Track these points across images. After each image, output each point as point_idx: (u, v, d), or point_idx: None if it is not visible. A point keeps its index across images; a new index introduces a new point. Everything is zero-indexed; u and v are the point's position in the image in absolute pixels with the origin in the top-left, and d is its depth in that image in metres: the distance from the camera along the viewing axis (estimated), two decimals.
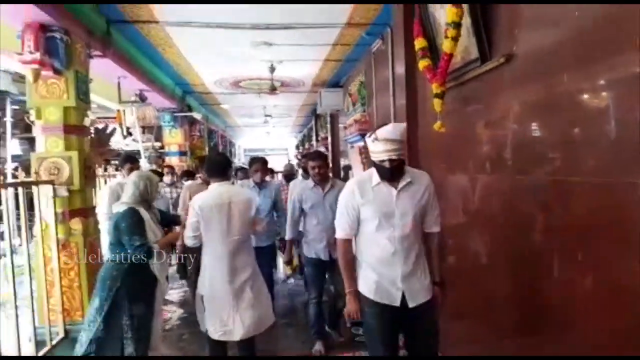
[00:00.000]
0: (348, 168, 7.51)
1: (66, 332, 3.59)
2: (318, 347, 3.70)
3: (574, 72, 1.86)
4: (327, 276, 3.77)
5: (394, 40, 4.30)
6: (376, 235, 2.21)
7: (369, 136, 2.19)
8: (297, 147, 18.43)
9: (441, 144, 3.33)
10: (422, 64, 3.04)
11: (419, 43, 3.09)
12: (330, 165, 3.25)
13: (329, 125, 9.15)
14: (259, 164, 4.29)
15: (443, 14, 2.83)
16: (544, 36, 2.07)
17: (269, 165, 4.72)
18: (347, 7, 4.16)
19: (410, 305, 2.19)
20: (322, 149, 10.40)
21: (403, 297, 2.19)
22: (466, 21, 2.57)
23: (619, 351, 1.68)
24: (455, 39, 2.58)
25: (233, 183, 3.70)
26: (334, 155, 8.91)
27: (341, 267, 2.33)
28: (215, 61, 5.93)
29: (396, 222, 2.18)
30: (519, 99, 2.29)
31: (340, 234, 2.33)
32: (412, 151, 3.73)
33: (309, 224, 3.68)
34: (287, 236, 3.83)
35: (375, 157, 2.17)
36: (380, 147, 2.12)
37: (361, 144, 5.96)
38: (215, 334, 2.84)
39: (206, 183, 3.98)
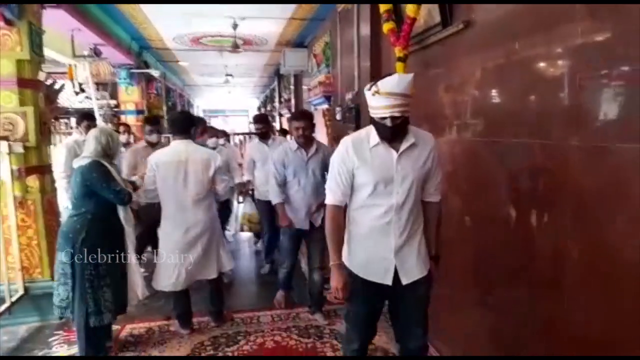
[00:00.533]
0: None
1: (26, 289, 3.56)
2: (279, 296, 3.79)
3: (524, 40, 1.99)
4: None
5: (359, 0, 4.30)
6: (370, 202, 1.94)
7: (369, 89, 1.84)
8: (259, 109, 18.17)
9: None
10: (387, 26, 3.09)
11: (384, 5, 3.13)
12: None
13: (292, 87, 9.09)
14: (202, 124, 4.21)
15: None
16: (499, 5, 2.17)
17: (228, 128, 4.87)
18: None
19: (404, 282, 1.95)
20: (285, 112, 10.37)
21: (396, 273, 1.95)
22: None
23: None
24: (419, 2, 2.65)
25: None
26: None
27: (328, 238, 2.02)
28: (174, 15, 5.72)
29: (395, 188, 1.90)
30: (477, 64, 2.41)
31: (330, 199, 2.01)
32: (368, 116, 3.82)
33: (290, 190, 3.40)
34: (275, 200, 3.44)
35: (374, 114, 1.86)
36: (381, 101, 1.80)
37: (325, 106, 6.01)
38: (159, 284, 3.11)
39: (151, 145, 4.00)
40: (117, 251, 2.73)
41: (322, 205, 3.08)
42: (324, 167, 3.23)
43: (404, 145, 1.90)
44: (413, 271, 1.97)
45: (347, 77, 4.84)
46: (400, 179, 1.89)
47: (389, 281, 1.95)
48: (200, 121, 4.26)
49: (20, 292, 3.54)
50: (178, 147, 3.06)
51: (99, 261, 2.63)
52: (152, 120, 4.41)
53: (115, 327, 3.36)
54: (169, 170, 2.99)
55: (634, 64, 1.46)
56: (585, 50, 1.66)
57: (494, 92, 2.29)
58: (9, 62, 3.40)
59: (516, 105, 2.10)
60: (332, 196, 2.00)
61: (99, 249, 2.63)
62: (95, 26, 5.20)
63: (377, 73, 3.92)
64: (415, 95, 1.83)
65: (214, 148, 4.27)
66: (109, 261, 2.68)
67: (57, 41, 5.29)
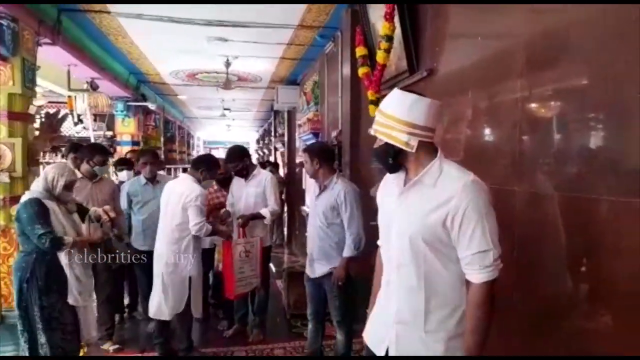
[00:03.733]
0: (302, 165, 7.67)
1: (2, 317, 3.58)
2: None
3: (476, 90, 2.12)
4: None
5: (343, 43, 4.50)
6: (381, 251, 1.65)
7: None
8: (258, 142, 18.43)
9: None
10: (362, 71, 3.26)
11: (360, 51, 3.30)
12: (316, 161, 2.92)
13: (286, 122, 9.29)
14: (149, 156, 3.93)
15: (381, 27, 3.05)
16: (457, 56, 2.33)
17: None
18: (300, 10, 4.31)
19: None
20: (279, 145, 10.54)
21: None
22: (399, 35, 2.80)
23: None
24: (388, 51, 2.81)
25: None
26: (290, 151, 9.06)
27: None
28: (169, 53, 5.95)
29: (392, 236, 1.51)
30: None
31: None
32: (353, 153, 3.95)
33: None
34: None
35: None
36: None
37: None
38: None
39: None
40: (60, 295, 2.59)
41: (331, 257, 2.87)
42: (334, 210, 2.85)
43: (409, 181, 1.48)
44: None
45: (333, 115, 5.00)
46: (398, 225, 1.48)
47: (381, 352, 1.56)
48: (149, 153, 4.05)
49: None
50: (175, 181, 3.44)
51: (44, 303, 2.52)
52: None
53: None
54: (163, 199, 3.34)
55: (568, 114, 1.57)
56: (524, 102, 1.78)
57: (449, 135, 2.41)
58: (1, 96, 3.56)
59: (470, 148, 2.21)
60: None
61: (44, 291, 2.52)
62: (92, 61, 5.40)
63: (357, 113, 4.07)
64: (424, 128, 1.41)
65: None
66: (56, 303, 2.56)
67: (55, 74, 5.50)
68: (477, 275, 1.35)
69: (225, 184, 4.00)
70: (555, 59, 1.64)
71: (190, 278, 3.22)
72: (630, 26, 1.33)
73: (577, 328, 1.56)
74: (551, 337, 1.67)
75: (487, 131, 2.05)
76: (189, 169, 3.44)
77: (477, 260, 1.34)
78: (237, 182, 3.83)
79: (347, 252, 2.81)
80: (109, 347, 3.53)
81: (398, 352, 1.48)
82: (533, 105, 1.75)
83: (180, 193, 3.17)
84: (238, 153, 3.72)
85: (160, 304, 3.22)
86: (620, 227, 1.37)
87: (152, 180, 3.84)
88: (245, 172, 3.70)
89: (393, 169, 1.51)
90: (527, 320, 1.81)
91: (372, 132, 1.49)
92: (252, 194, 3.69)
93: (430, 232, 1.39)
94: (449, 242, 1.39)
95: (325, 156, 2.96)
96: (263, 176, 3.76)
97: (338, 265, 2.82)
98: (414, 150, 1.40)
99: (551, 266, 1.68)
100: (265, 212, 3.65)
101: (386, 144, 1.46)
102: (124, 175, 4.34)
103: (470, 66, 2.17)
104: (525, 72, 1.78)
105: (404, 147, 1.41)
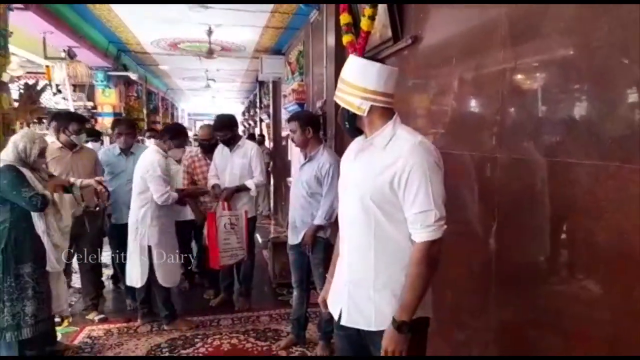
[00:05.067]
0: (288, 137, 7.63)
1: None
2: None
3: (460, 59, 2.11)
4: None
5: (327, 12, 4.41)
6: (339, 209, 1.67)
7: None
8: (244, 114, 18.21)
9: None
10: (346, 39, 3.21)
11: (344, 18, 3.24)
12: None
13: (271, 93, 9.17)
14: (124, 126, 3.85)
15: None
16: (442, 24, 2.30)
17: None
18: None
19: (342, 321, 1.56)
20: (265, 117, 10.44)
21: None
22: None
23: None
24: (372, 17, 2.77)
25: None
26: (275, 123, 8.98)
27: None
28: (150, 21, 5.76)
29: (347, 193, 1.56)
30: (421, 77, 2.52)
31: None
32: (337, 124, 3.92)
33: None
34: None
35: None
36: None
37: None
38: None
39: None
40: (37, 264, 2.59)
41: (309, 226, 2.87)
42: (318, 181, 2.85)
43: (364, 143, 1.53)
44: (358, 315, 1.52)
45: (318, 85, 4.94)
46: (353, 183, 1.53)
47: (336, 313, 1.61)
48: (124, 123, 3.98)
49: None
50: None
51: (20, 272, 2.53)
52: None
53: (73, 328, 3.40)
54: None
55: (551, 81, 1.58)
56: (507, 70, 1.78)
57: (434, 105, 2.41)
58: None
59: (454, 116, 2.21)
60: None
61: (19, 260, 2.52)
62: (68, 29, 5.21)
63: None
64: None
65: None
66: (32, 272, 2.57)
67: (31, 42, 5.30)
68: (419, 234, 1.39)
69: (210, 150, 3.94)
70: (538, 27, 1.63)
71: (149, 248, 3.23)
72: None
73: (557, 292, 1.60)
74: (532, 303, 1.72)
75: (470, 98, 2.05)
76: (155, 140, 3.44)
77: (419, 219, 1.38)
78: (220, 153, 3.77)
79: (318, 220, 2.85)
80: (94, 317, 3.56)
81: (349, 312, 1.54)
82: (516, 73, 1.75)
83: (140, 164, 3.26)
84: (227, 122, 3.72)
85: (130, 272, 3.32)
86: (598, 190, 1.40)
87: (127, 151, 3.78)
88: (232, 141, 3.68)
89: (351, 133, 1.58)
90: (507, 286, 1.86)
91: (334, 98, 1.54)
92: (237, 165, 3.67)
93: (378, 192, 1.43)
94: (397, 203, 1.42)
95: (316, 125, 2.97)
96: (249, 147, 3.74)
97: (307, 231, 2.87)
98: (365, 115, 1.46)
99: (531, 230, 1.71)
100: (250, 183, 3.64)
101: (343, 108, 1.52)
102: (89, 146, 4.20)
103: (455, 34, 2.15)
104: (509, 40, 1.77)
105: (356, 111, 1.47)
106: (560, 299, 1.57)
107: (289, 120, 2.99)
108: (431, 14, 2.43)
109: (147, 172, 3.18)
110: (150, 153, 3.31)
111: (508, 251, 1.84)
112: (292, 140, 2.95)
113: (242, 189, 3.64)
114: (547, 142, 1.60)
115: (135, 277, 3.29)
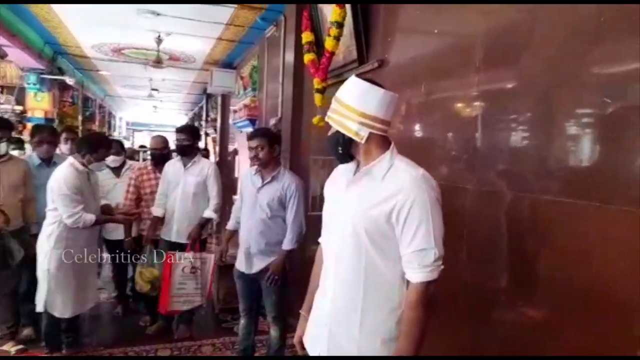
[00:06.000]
0: (235, 153, 7.42)
1: None
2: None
3: (428, 84, 2.08)
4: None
5: (286, 28, 4.33)
6: (321, 246, 1.57)
7: None
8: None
9: (321, 138, 3.46)
10: (307, 57, 3.13)
11: (306, 37, 3.17)
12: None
13: (219, 107, 8.92)
14: (46, 133, 3.46)
15: (330, 12, 2.93)
16: (410, 47, 2.27)
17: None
18: None
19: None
20: (211, 131, 10.13)
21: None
22: (349, 23, 2.70)
23: None
24: (337, 38, 2.70)
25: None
26: (222, 138, 8.72)
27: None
28: (93, 23, 5.38)
29: (336, 223, 1.45)
30: None
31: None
32: (294, 143, 3.81)
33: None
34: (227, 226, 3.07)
35: None
36: None
37: (250, 129, 5.92)
38: None
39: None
40: None
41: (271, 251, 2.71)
42: (280, 203, 2.69)
43: (360, 171, 1.40)
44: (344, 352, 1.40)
45: (272, 102, 4.82)
46: (341, 216, 1.41)
47: (314, 352, 1.49)
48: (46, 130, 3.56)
49: None
50: None
51: None
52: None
53: None
54: None
55: (522, 111, 1.56)
56: (477, 97, 1.76)
57: (401, 128, 2.36)
58: None
59: (419, 140, 2.17)
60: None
61: None
62: (0, 25, 4.73)
63: (299, 101, 3.94)
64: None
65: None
66: None
67: None
68: (416, 274, 1.28)
69: (162, 162, 3.64)
70: (507, 54, 1.63)
71: (48, 271, 2.83)
72: (584, 24, 1.34)
73: (522, 325, 1.57)
74: (497, 334, 1.67)
75: (439, 126, 2.02)
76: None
77: (416, 258, 1.28)
78: (172, 167, 3.48)
79: (288, 244, 2.70)
80: (11, 348, 3.13)
81: (329, 352, 1.41)
82: (486, 101, 1.74)
83: (51, 179, 2.87)
84: (190, 128, 3.67)
85: (37, 294, 2.92)
86: (566, 227, 1.40)
87: (48, 161, 3.39)
88: (189, 151, 3.43)
89: (343, 159, 1.45)
90: (472, 317, 1.81)
91: (326, 119, 1.43)
92: (191, 182, 3.40)
93: (373, 225, 1.32)
94: (393, 238, 1.31)
95: (280, 144, 2.83)
96: (205, 165, 3.50)
97: (277, 259, 2.70)
98: (363, 142, 1.35)
99: (498, 264, 1.68)
100: (209, 214, 3.41)
101: (337, 132, 1.39)
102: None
103: (423, 59, 2.13)
104: (481, 67, 1.76)
105: (353, 137, 1.35)
106: (525, 331, 1.53)
107: (254, 135, 2.75)
108: (397, 38, 2.41)
109: (52, 190, 2.82)
110: (62, 168, 2.90)
111: (474, 283, 1.80)
112: (255, 157, 2.67)
113: (204, 223, 3.44)
114: (519, 176, 1.58)
115: (39, 300, 2.89)
